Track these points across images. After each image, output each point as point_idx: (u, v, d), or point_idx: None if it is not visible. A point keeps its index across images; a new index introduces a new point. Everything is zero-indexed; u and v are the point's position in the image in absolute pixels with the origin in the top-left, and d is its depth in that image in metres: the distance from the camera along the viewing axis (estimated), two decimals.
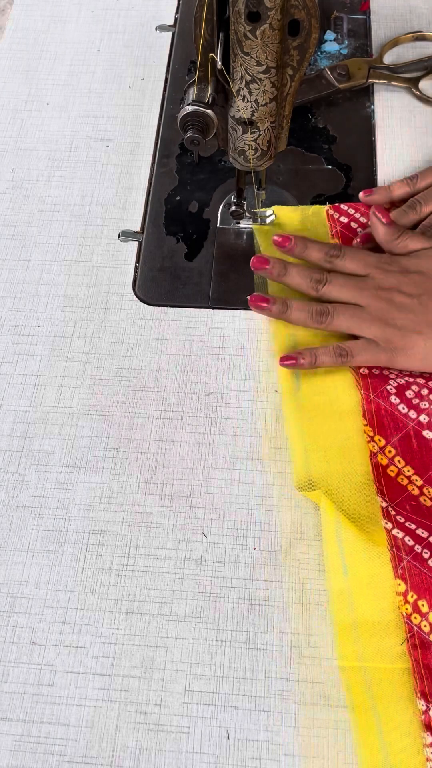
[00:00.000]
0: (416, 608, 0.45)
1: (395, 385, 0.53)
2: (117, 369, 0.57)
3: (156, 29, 0.78)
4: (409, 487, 0.50)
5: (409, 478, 0.51)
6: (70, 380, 0.57)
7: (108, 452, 0.54)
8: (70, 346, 0.59)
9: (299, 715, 0.45)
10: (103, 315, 0.60)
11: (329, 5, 0.79)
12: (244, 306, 0.58)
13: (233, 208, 0.62)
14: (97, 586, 0.49)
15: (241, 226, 0.64)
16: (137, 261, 0.63)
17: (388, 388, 0.53)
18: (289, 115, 0.54)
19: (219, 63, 0.48)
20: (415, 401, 0.53)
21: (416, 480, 0.51)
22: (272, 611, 0.48)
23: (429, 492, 0.50)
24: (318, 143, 0.69)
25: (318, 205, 0.64)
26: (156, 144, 0.70)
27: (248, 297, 0.57)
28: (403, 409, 0.53)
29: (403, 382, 0.54)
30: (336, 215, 0.63)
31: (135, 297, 0.61)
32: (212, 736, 0.44)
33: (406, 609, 0.45)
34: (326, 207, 0.63)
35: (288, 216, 0.63)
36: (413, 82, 0.71)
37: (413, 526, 0.47)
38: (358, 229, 0.62)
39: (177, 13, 0.80)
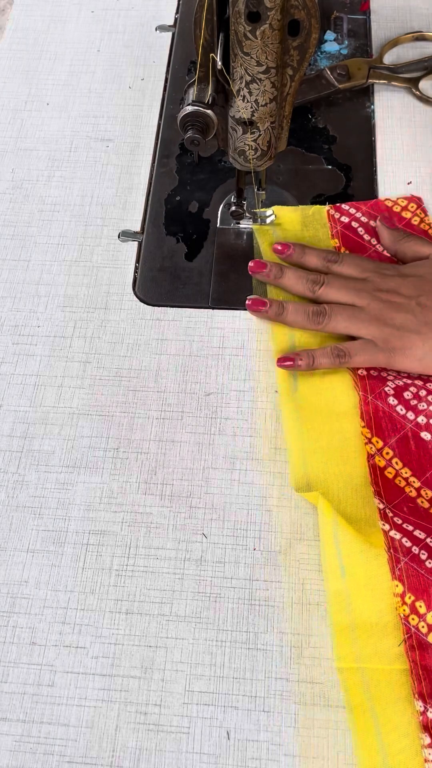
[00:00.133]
0: (414, 609, 0.45)
1: (393, 386, 0.53)
2: (117, 369, 0.57)
3: (156, 29, 0.78)
4: (407, 489, 0.50)
5: (406, 479, 0.51)
6: (70, 380, 0.57)
7: (108, 452, 0.54)
8: (70, 346, 0.59)
9: (299, 716, 0.45)
10: (103, 315, 0.60)
11: (329, 5, 0.79)
12: (244, 306, 0.58)
13: (233, 208, 0.62)
14: (97, 586, 0.49)
15: (241, 226, 0.64)
16: (137, 261, 0.63)
17: (387, 389, 0.53)
18: (289, 115, 0.54)
19: (219, 63, 0.48)
20: (413, 402, 0.53)
21: (414, 482, 0.50)
22: (272, 611, 0.48)
23: (426, 494, 0.50)
24: (318, 143, 0.69)
25: (318, 206, 0.64)
26: (156, 144, 0.70)
27: (246, 301, 0.57)
28: (401, 410, 0.53)
29: (401, 383, 0.54)
30: (337, 215, 0.63)
31: (135, 297, 0.61)
32: (212, 737, 0.44)
33: (404, 610, 0.45)
34: (327, 207, 0.63)
35: (288, 216, 0.63)
36: (413, 82, 0.71)
37: (411, 528, 0.47)
38: (359, 229, 0.62)
39: (177, 13, 0.80)
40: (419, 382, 0.54)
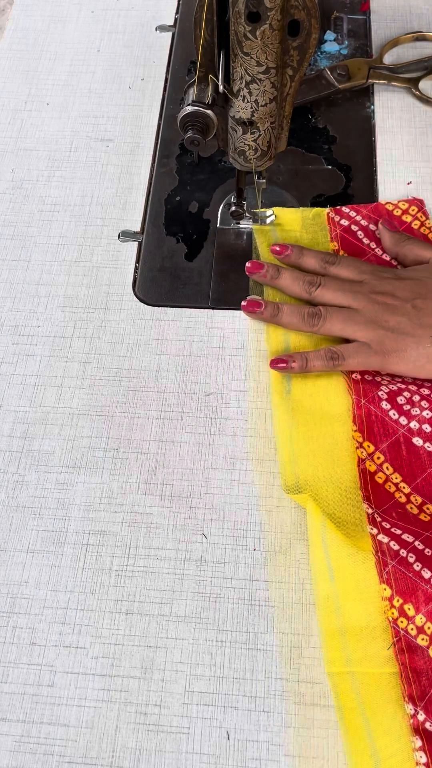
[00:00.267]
0: (402, 612, 0.44)
1: (387, 390, 0.53)
2: (117, 369, 0.57)
3: (156, 29, 0.78)
4: (397, 495, 0.50)
5: (396, 485, 0.51)
6: (70, 380, 0.57)
7: (108, 452, 0.54)
8: (70, 347, 0.59)
9: (299, 716, 0.45)
10: (103, 315, 0.60)
11: (329, 5, 0.79)
12: None
13: (233, 208, 0.62)
14: (97, 586, 0.49)
15: (241, 226, 0.64)
16: (137, 261, 0.63)
17: (380, 393, 0.53)
18: (289, 115, 0.54)
19: (220, 82, 0.48)
20: (406, 407, 0.53)
21: (404, 488, 0.50)
22: (272, 611, 0.48)
23: (416, 500, 0.50)
24: (318, 143, 0.69)
25: (318, 208, 0.64)
26: (156, 144, 0.70)
27: (241, 302, 0.57)
28: (394, 415, 0.52)
29: (395, 388, 0.53)
30: (336, 218, 0.63)
31: (135, 297, 0.61)
32: (212, 737, 0.44)
33: (392, 613, 0.45)
34: (327, 210, 0.63)
35: (288, 218, 0.63)
36: (413, 83, 0.71)
37: (399, 532, 0.47)
38: (358, 233, 0.62)
39: (177, 13, 0.80)
40: (413, 387, 0.54)
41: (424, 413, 0.52)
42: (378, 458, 0.51)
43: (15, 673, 0.47)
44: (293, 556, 0.49)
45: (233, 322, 0.59)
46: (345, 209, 0.63)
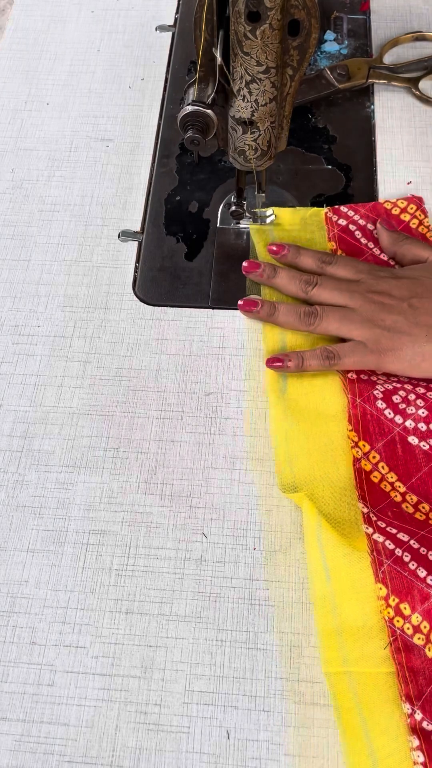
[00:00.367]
0: (398, 611, 0.44)
1: (382, 390, 0.53)
2: (117, 369, 0.57)
3: (156, 29, 0.78)
4: (392, 494, 0.50)
5: (392, 484, 0.51)
6: (70, 380, 0.57)
7: (108, 452, 0.54)
8: (70, 346, 0.59)
9: (299, 715, 0.45)
10: (103, 315, 0.60)
11: (329, 5, 0.79)
12: None
13: (233, 208, 0.62)
14: (97, 586, 0.49)
15: (241, 226, 0.64)
16: (137, 261, 0.63)
17: (375, 392, 0.53)
18: (289, 115, 0.54)
19: (219, 59, 0.48)
20: (402, 406, 0.53)
21: (399, 487, 0.50)
22: (272, 611, 0.48)
23: (411, 499, 0.50)
24: (318, 143, 0.69)
25: (317, 208, 0.64)
26: (156, 144, 0.70)
27: (238, 302, 0.57)
28: (390, 414, 0.52)
29: (390, 387, 0.53)
30: (334, 218, 0.63)
31: (135, 297, 0.61)
32: (212, 736, 0.44)
33: (388, 613, 0.45)
34: (325, 209, 0.63)
35: (286, 218, 0.63)
36: (413, 82, 0.71)
37: (394, 531, 0.47)
38: (356, 232, 0.62)
39: (177, 13, 0.80)
40: (409, 386, 0.54)
41: (420, 412, 0.52)
42: (373, 457, 0.51)
43: (15, 673, 0.47)
44: (293, 556, 0.49)
45: (233, 322, 0.59)
46: (343, 209, 0.63)
